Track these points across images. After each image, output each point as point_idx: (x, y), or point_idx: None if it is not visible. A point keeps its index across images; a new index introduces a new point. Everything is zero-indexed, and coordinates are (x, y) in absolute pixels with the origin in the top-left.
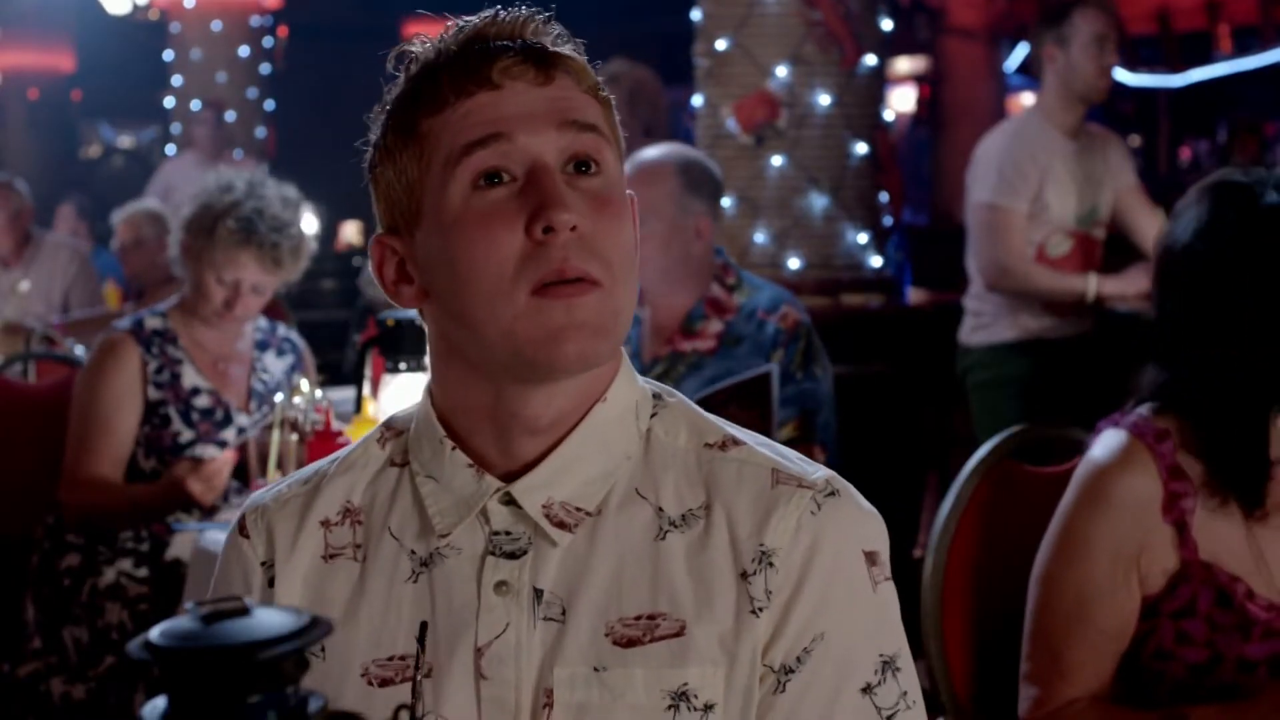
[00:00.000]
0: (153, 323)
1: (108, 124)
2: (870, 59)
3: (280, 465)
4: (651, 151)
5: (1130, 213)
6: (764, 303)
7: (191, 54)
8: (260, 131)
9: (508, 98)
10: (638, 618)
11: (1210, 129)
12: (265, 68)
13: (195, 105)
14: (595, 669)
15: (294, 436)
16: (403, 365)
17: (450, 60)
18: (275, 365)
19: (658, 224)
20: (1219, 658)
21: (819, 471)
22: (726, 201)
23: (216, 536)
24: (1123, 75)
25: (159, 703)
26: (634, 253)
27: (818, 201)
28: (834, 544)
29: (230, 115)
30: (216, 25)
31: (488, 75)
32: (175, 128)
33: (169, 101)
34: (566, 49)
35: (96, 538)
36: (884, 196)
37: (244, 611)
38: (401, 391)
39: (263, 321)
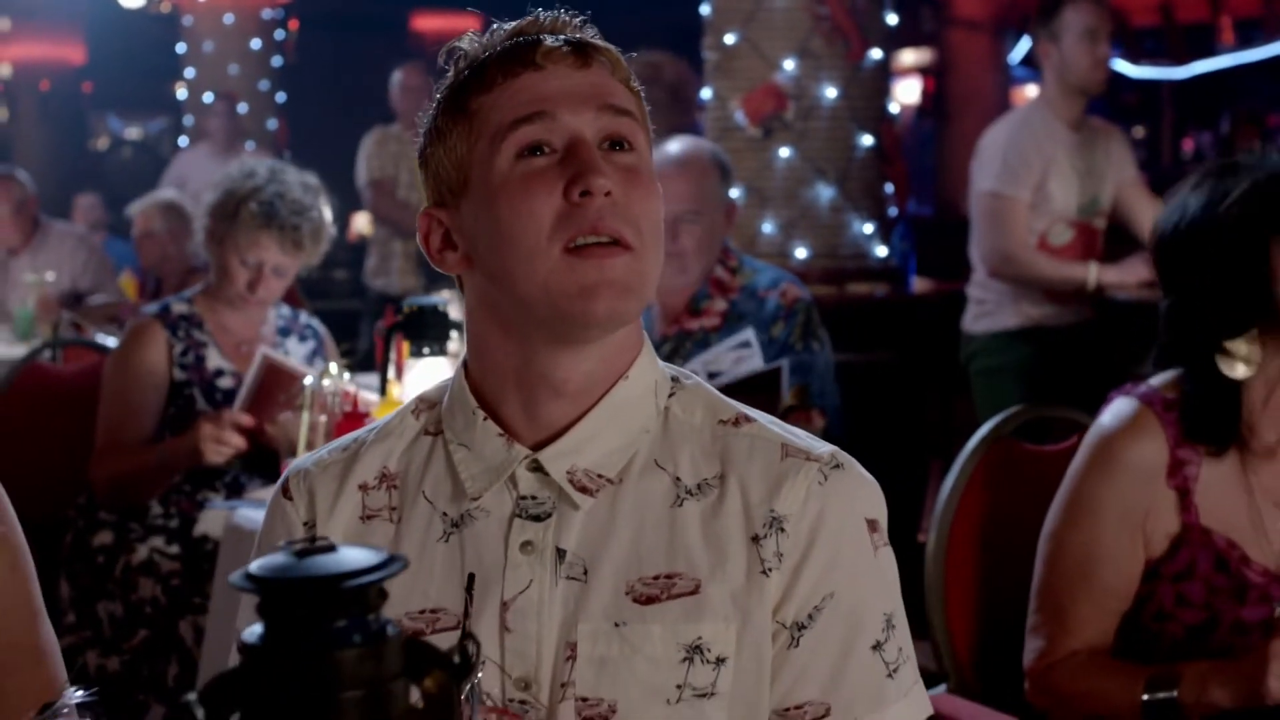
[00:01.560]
0: (179, 308)
1: (116, 116)
2: (876, 52)
3: (309, 446)
4: (680, 145)
5: (1130, 203)
6: (764, 282)
7: (204, 46)
8: (271, 123)
9: (550, 78)
10: (655, 577)
11: (1213, 120)
12: (277, 60)
13: (208, 97)
14: (615, 624)
15: (322, 418)
16: (425, 350)
17: (497, 49)
18: (297, 350)
19: (713, 213)
20: (1215, 620)
21: (825, 446)
22: (735, 192)
23: (247, 513)
24: (1126, 67)
25: (256, 628)
26: (661, 225)
27: (824, 192)
28: (839, 512)
29: (242, 107)
30: (229, 18)
31: (532, 58)
32: (188, 119)
33: (181, 93)
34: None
35: (128, 515)
36: (889, 187)
37: (331, 549)
38: (424, 375)
39: (285, 309)
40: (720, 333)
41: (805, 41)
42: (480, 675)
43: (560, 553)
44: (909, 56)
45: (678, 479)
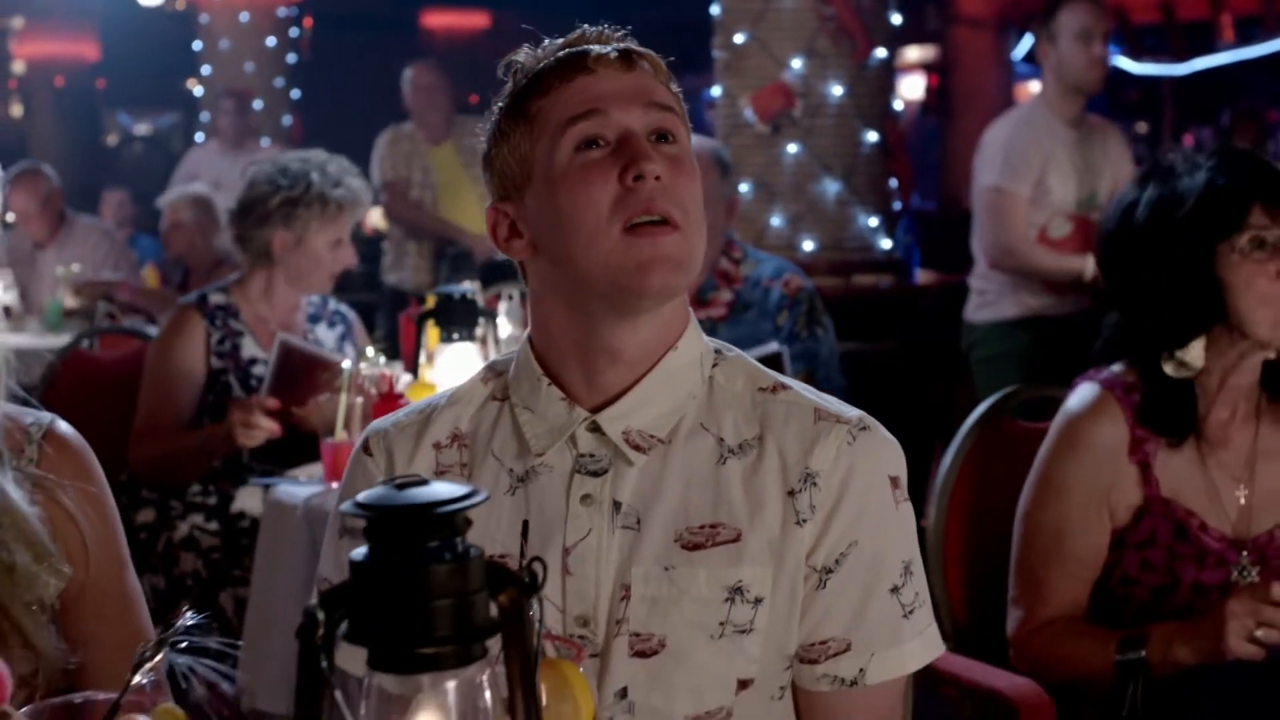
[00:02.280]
0: (216, 298)
1: (126, 111)
2: (880, 52)
3: (346, 425)
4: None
5: None
6: (768, 273)
7: (220, 44)
8: (287, 119)
9: (601, 81)
10: (701, 526)
11: (1213, 116)
12: (291, 57)
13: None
14: (665, 568)
15: (359, 399)
16: (454, 335)
17: (552, 59)
18: (327, 336)
19: (714, 208)
20: (1177, 583)
21: (853, 411)
22: (744, 187)
23: (287, 489)
24: (1128, 63)
25: (363, 549)
26: (702, 207)
27: (830, 187)
28: (866, 469)
29: (258, 104)
30: (244, 16)
31: (584, 64)
32: (204, 116)
33: (198, 90)
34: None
35: (168, 494)
36: (893, 182)
37: (424, 483)
38: (453, 359)
39: (314, 296)
40: (727, 323)
41: (812, 41)
42: (544, 594)
43: (616, 505)
44: (913, 53)
45: (721, 439)
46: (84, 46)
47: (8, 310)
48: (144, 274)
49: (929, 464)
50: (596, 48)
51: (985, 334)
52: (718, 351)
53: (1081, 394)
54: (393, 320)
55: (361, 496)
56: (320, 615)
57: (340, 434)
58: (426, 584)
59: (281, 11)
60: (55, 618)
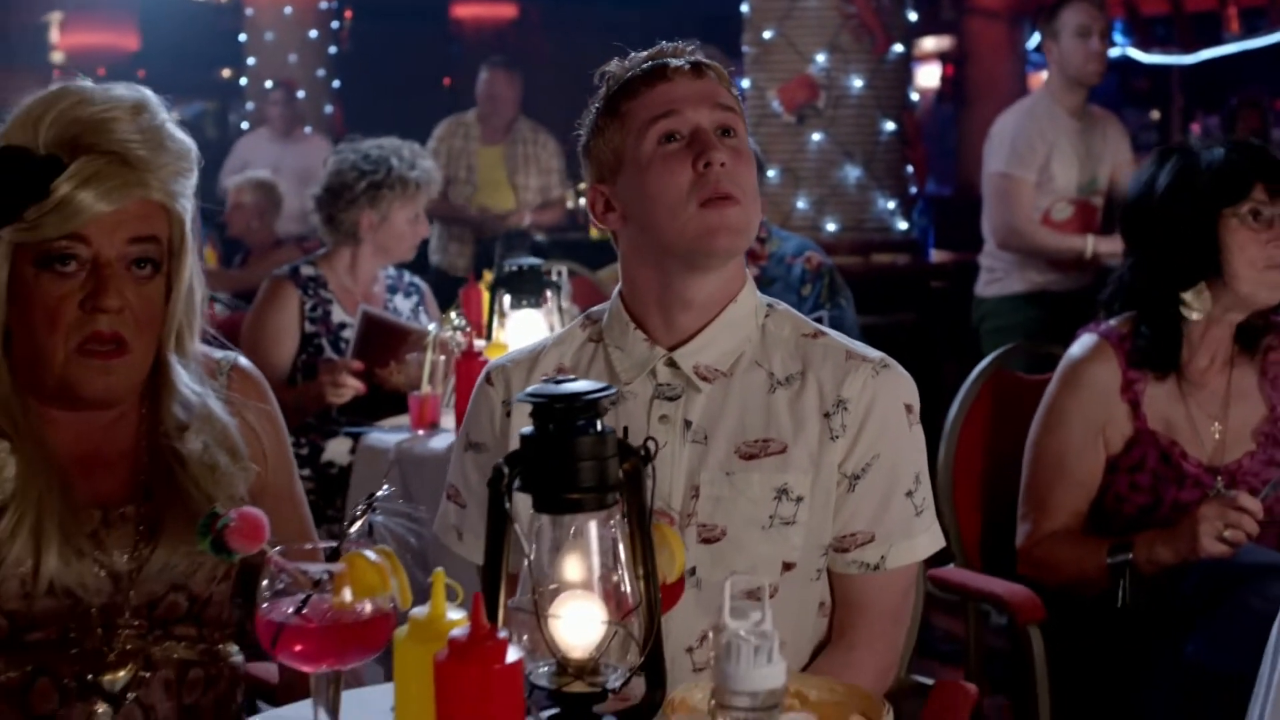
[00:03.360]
0: (306, 270)
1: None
2: (898, 47)
3: (430, 380)
4: None
5: (1125, 183)
6: (791, 250)
7: (265, 36)
8: (328, 108)
9: (677, 87)
10: (755, 441)
11: (1220, 104)
12: (332, 48)
13: (269, 84)
14: (727, 474)
15: (441, 357)
16: (523, 303)
17: (638, 69)
18: (403, 304)
19: None
20: (1160, 501)
21: (877, 353)
22: (772, 172)
23: (379, 436)
24: (1138, 53)
25: (529, 427)
26: (757, 187)
27: (852, 172)
28: (886, 397)
29: (301, 94)
30: (288, 10)
31: (664, 73)
32: (249, 105)
33: (243, 80)
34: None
35: None
36: (910, 168)
37: (573, 380)
38: (522, 323)
39: (391, 269)
40: None
41: (835, 37)
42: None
43: (687, 423)
44: (930, 43)
45: (771, 373)
46: (124, 37)
47: None
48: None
49: (940, 425)
50: (674, 60)
51: (994, 308)
52: (769, 305)
53: (1083, 342)
54: (440, 295)
55: (531, 389)
56: (505, 470)
57: (425, 388)
58: (575, 449)
59: (323, 4)
60: None
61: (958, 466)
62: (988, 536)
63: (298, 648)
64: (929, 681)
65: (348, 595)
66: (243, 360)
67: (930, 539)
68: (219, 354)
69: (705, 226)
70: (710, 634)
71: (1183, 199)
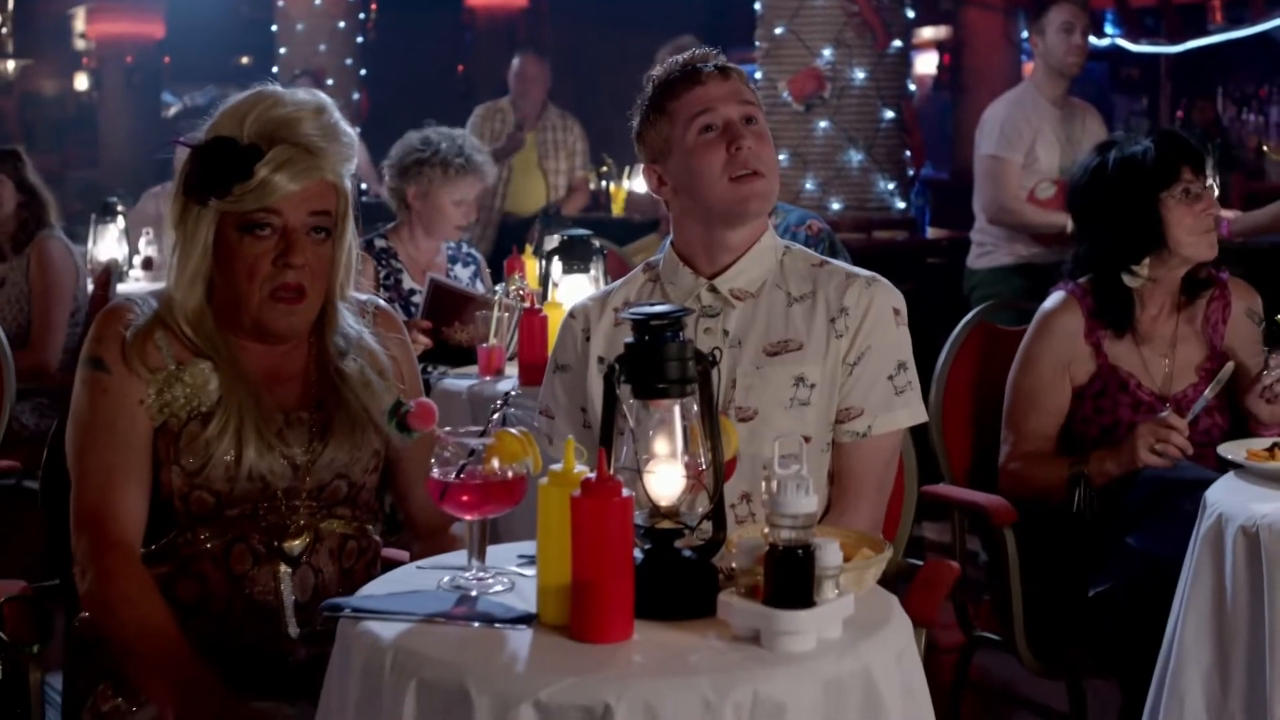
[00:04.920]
0: (379, 243)
1: (181, 87)
2: (897, 42)
3: (496, 334)
4: None
5: None
6: (794, 220)
7: (296, 27)
8: (355, 95)
9: (710, 88)
10: (777, 342)
11: (1207, 91)
12: (359, 38)
13: (298, 73)
14: (757, 367)
15: (506, 314)
16: (575, 268)
17: (677, 73)
18: (463, 273)
19: None
20: (1118, 423)
21: (869, 272)
22: (782, 156)
23: (452, 381)
24: (1127, 43)
25: (629, 336)
26: (777, 162)
27: (855, 157)
28: (878, 303)
29: (329, 82)
30: (317, 1)
31: (698, 77)
32: None
33: (274, 69)
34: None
35: None
36: (908, 153)
37: (664, 304)
38: (573, 286)
39: (451, 241)
40: None
41: (839, 33)
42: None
43: (725, 332)
44: (928, 32)
45: (789, 293)
46: (151, 26)
47: (149, 261)
48: None
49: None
50: (704, 65)
51: (984, 278)
52: (786, 246)
53: (1053, 297)
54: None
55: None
56: (616, 367)
57: (492, 340)
58: (663, 351)
59: None
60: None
61: (946, 403)
62: (972, 460)
63: (463, 498)
64: (919, 562)
65: (496, 463)
66: (381, 302)
67: (910, 414)
68: (363, 297)
69: (738, 195)
70: (749, 496)
71: (1126, 188)
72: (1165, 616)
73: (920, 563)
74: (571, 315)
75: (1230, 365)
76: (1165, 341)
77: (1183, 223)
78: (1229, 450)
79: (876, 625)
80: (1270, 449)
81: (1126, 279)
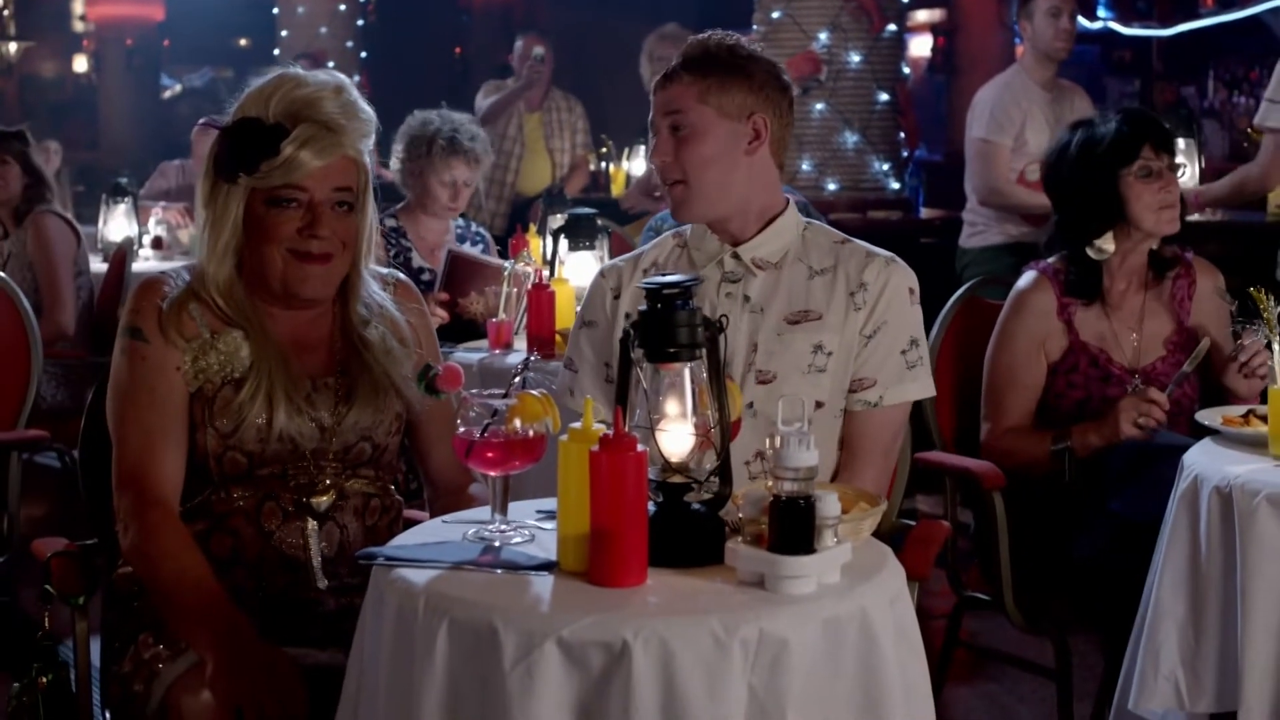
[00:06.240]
0: (389, 222)
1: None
2: (891, 27)
3: (505, 309)
4: None
5: None
6: None
7: (298, 10)
8: (355, 77)
9: (657, 96)
10: (798, 311)
11: (1198, 74)
12: (359, 21)
13: (298, 56)
14: (778, 334)
15: (514, 290)
16: (581, 245)
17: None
18: (470, 251)
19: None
20: (1090, 398)
21: (887, 252)
22: None
23: (463, 355)
24: (1119, 26)
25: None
26: (708, 160)
27: (850, 138)
28: (895, 282)
29: (330, 64)
30: None
31: (662, 80)
32: None
33: (276, 52)
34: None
35: None
36: (902, 134)
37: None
38: (580, 262)
39: (459, 221)
40: None
41: (836, 18)
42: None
43: (746, 298)
44: (922, 15)
45: (810, 267)
46: (150, 8)
47: (158, 240)
48: None
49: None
50: (670, 68)
51: (975, 257)
52: (808, 222)
53: (1026, 276)
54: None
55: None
56: (631, 332)
57: (501, 315)
58: (674, 317)
59: None
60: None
61: (938, 373)
62: (962, 429)
63: (488, 455)
64: (912, 522)
65: (518, 422)
66: (401, 275)
67: (919, 387)
68: (384, 270)
69: (669, 202)
70: (762, 454)
71: (1088, 166)
72: (1144, 575)
73: (912, 522)
74: (602, 274)
75: (1207, 341)
76: (1134, 315)
77: (1141, 198)
78: (1206, 417)
79: (872, 572)
80: (1245, 415)
81: (1091, 253)
